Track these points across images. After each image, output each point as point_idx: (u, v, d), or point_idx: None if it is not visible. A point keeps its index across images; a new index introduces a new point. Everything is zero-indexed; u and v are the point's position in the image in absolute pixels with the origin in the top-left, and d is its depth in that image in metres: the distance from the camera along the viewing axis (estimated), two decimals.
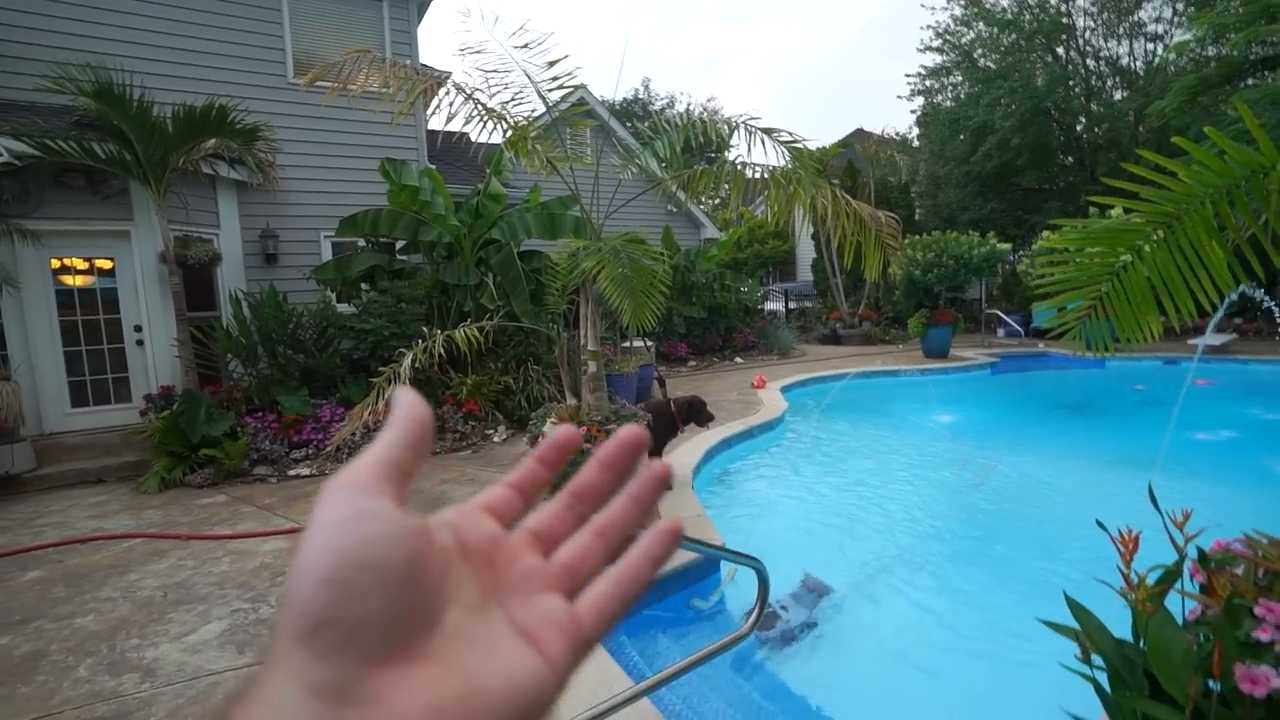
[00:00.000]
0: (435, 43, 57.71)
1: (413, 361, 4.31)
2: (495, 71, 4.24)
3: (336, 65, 4.44)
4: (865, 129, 22.63)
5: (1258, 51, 11.88)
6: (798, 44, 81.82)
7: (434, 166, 9.13)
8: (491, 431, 7.11)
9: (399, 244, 8.81)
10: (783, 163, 4.26)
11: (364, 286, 8.34)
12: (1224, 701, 1.24)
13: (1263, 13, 11.10)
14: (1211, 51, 13.85)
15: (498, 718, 0.25)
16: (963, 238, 12.62)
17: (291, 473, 5.99)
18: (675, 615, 3.23)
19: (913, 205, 18.72)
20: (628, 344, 9.32)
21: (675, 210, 15.23)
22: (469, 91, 4.29)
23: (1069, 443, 7.08)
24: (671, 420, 4.85)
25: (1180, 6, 17.26)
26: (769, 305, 16.89)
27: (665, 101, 39.68)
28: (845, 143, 17.06)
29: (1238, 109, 1.59)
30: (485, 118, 4.28)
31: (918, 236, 13.06)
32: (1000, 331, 14.71)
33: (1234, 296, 2.00)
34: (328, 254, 9.24)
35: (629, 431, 0.33)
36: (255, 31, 8.53)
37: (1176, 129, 12.58)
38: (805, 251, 22.08)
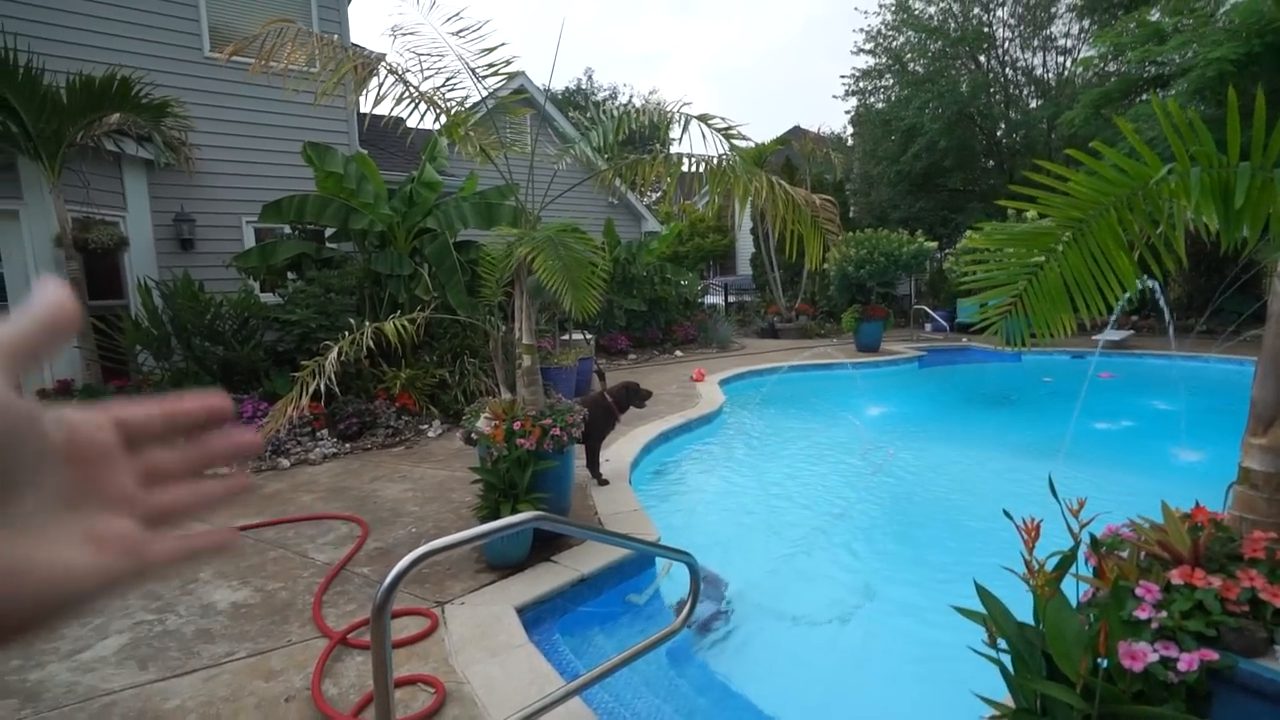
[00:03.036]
0: (367, 24, 55.31)
1: (339, 354, 4.13)
2: (429, 55, 4.09)
3: (259, 37, 4.19)
4: (803, 127, 23.14)
5: (1150, 70, 12.89)
6: (738, 40, 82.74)
7: (365, 151, 8.76)
8: (426, 426, 6.92)
9: (328, 232, 8.43)
10: (720, 153, 4.29)
11: (290, 276, 7.94)
12: (1109, 678, 1.33)
13: (1153, 34, 12.11)
14: (1113, 67, 14.91)
15: (36, 590, 0.26)
16: (893, 236, 13.10)
17: (209, 472, 5.65)
18: (611, 611, 3.23)
19: (847, 203, 19.30)
20: (567, 337, 9.23)
21: (615, 203, 15.20)
22: (400, 72, 4.13)
23: (986, 432, 7.49)
24: (608, 411, 4.83)
25: (1086, 24, 18.50)
26: (709, 299, 17.09)
27: (608, 93, 39.52)
28: (783, 140, 17.38)
29: (1121, 125, 1.71)
30: (418, 101, 4.13)
31: (851, 234, 13.47)
32: (927, 326, 15.38)
33: (1128, 295, 2.15)
34: (250, 241, 8.76)
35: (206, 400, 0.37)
36: None
37: (1084, 137, 13.51)
38: (745, 246, 22.45)
